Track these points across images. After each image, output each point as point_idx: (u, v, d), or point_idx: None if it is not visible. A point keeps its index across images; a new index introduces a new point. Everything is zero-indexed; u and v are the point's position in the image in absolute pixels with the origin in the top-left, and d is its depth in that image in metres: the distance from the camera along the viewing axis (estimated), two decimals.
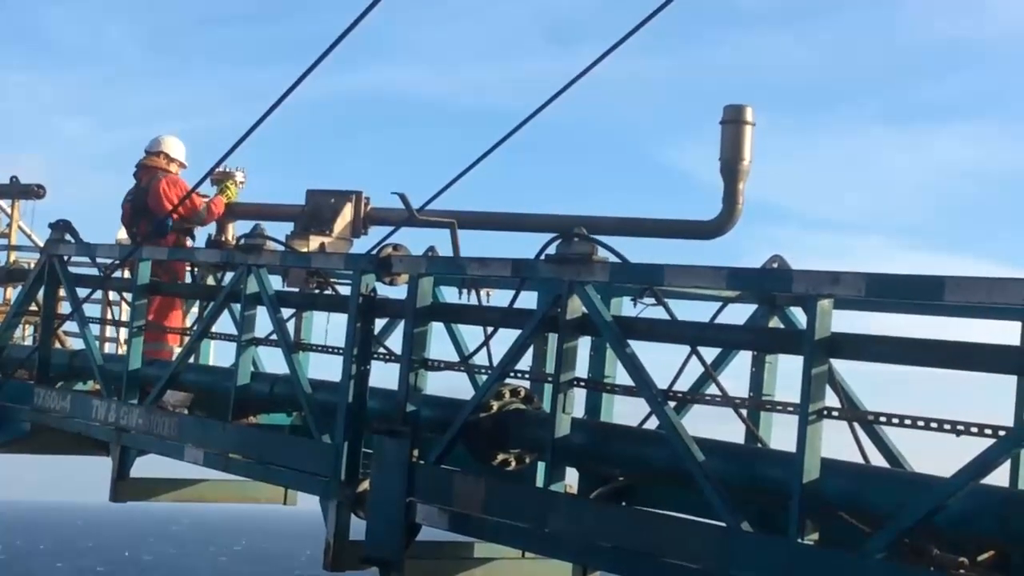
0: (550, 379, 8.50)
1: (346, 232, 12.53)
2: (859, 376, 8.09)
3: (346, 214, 12.52)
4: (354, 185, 12.69)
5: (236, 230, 13.64)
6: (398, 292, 9.75)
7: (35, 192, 15.94)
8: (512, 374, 8.88)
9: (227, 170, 13.37)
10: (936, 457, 7.09)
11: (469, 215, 11.73)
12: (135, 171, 13.84)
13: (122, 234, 14.38)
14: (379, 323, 10.13)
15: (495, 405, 8.86)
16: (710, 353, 8.59)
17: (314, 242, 12.19)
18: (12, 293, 15.99)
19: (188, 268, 13.74)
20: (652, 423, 8.27)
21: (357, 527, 9.50)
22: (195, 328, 12.67)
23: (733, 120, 9.47)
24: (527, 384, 9.12)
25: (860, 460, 7.71)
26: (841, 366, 7.84)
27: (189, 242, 13.71)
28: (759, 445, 8.50)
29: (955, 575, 6.49)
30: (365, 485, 9.42)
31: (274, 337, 10.97)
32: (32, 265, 15.17)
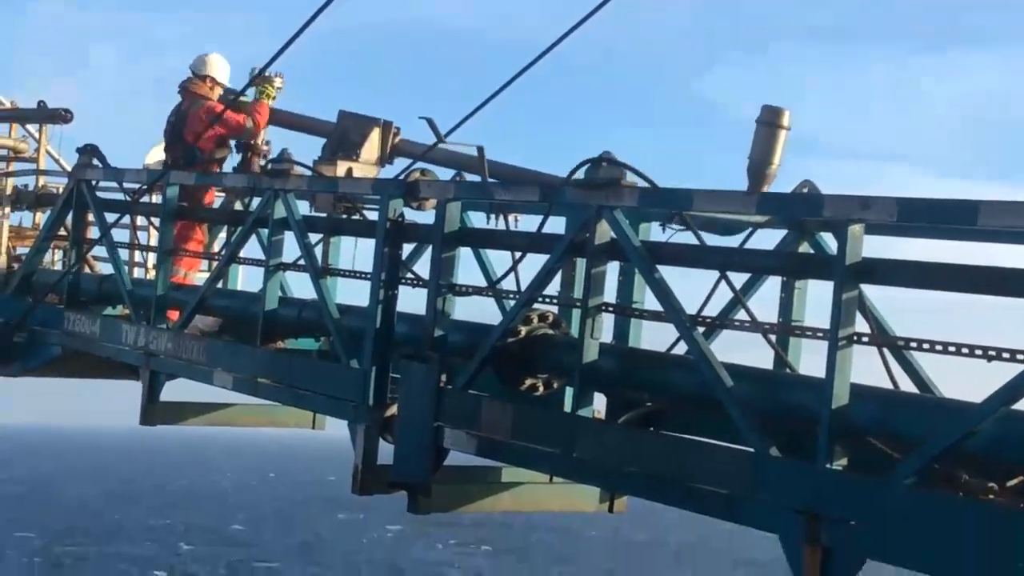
0: (578, 304, 8.47)
1: (374, 158, 12.47)
2: (889, 305, 8.04)
3: (374, 140, 12.46)
4: (384, 116, 12.59)
5: (268, 135, 13.59)
6: (426, 217, 9.72)
7: (62, 116, 15.87)
8: (540, 299, 8.86)
9: (264, 73, 13.33)
10: (967, 385, 7.05)
11: (497, 165, 11.56)
12: (179, 90, 13.82)
13: (150, 159, 14.37)
14: (407, 248, 10.11)
15: (523, 330, 8.83)
16: (739, 279, 8.53)
17: (341, 167, 12.14)
18: (41, 218, 16.01)
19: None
20: (680, 349, 8.25)
21: (385, 452, 9.53)
22: (223, 253, 12.67)
23: (768, 122, 9.15)
24: (555, 309, 9.09)
25: (890, 387, 7.67)
26: (871, 295, 7.78)
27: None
28: (788, 371, 8.47)
29: (984, 500, 6.47)
30: (393, 410, 9.44)
31: (302, 262, 10.96)
32: (60, 190, 15.17)
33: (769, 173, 8.88)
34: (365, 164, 12.33)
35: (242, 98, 13.40)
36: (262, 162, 12.85)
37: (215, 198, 13.97)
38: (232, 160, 13.73)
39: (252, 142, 13.41)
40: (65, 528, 77.51)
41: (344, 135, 12.41)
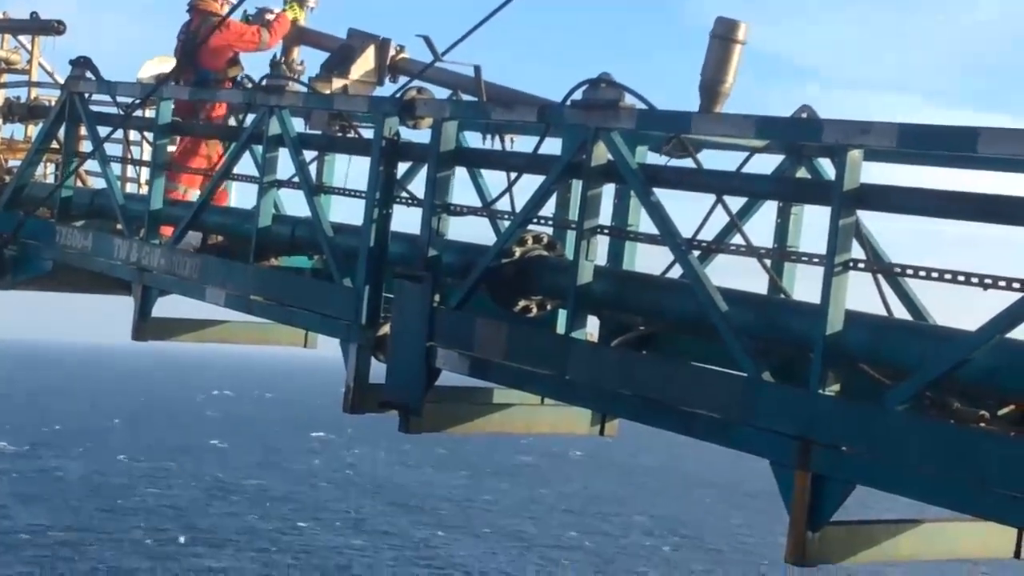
0: (573, 226, 8.44)
1: (370, 77, 12.37)
2: (885, 236, 8.02)
3: (368, 57, 12.34)
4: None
5: (302, 54, 13.48)
6: (422, 136, 9.67)
7: (55, 28, 15.73)
8: (535, 220, 8.83)
9: None
10: (962, 314, 7.05)
11: (494, 87, 11.44)
12: (188, 8, 13.66)
13: (144, 72, 14.24)
14: (402, 167, 10.06)
15: (518, 251, 8.82)
16: (735, 205, 8.50)
17: (336, 85, 12.05)
18: (33, 130, 15.91)
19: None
20: (675, 272, 8.24)
21: (377, 371, 9.54)
22: (216, 169, 12.59)
23: (722, 36, 8.66)
24: (550, 231, 9.07)
25: (884, 314, 7.67)
26: (868, 224, 7.77)
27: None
28: (783, 296, 8.47)
29: (975, 428, 6.49)
30: (385, 329, 9.43)
31: (296, 179, 10.90)
32: (53, 102, 15.06)
33: (722, 91, 8.59)
34: (358, 81, 12.23)
35: (268, 16, 13.23)
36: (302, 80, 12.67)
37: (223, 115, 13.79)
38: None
39: (282, 61, 13.21)
40: (49, 442, 77.86)
41: (348, 52, 12.30)
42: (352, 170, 11.20)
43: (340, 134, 11.61)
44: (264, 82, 11.33)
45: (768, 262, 8.48)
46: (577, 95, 8.34)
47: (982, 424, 6.56)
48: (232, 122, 13.40)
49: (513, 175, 9.28)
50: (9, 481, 62.83)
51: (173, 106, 12.68)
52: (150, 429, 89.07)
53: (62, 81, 14.45)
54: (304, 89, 11.57)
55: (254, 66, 13.55)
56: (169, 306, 12.64)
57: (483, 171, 10.16)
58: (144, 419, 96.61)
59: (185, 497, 61.41)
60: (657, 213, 7.82)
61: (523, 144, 10.52)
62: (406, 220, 9.76)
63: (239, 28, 13.08)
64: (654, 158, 8.83)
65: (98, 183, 14.39)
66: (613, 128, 8.02)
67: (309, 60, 13.36)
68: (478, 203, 9.98)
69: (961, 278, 6.39)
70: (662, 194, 7.93)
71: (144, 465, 71.43)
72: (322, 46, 13.14)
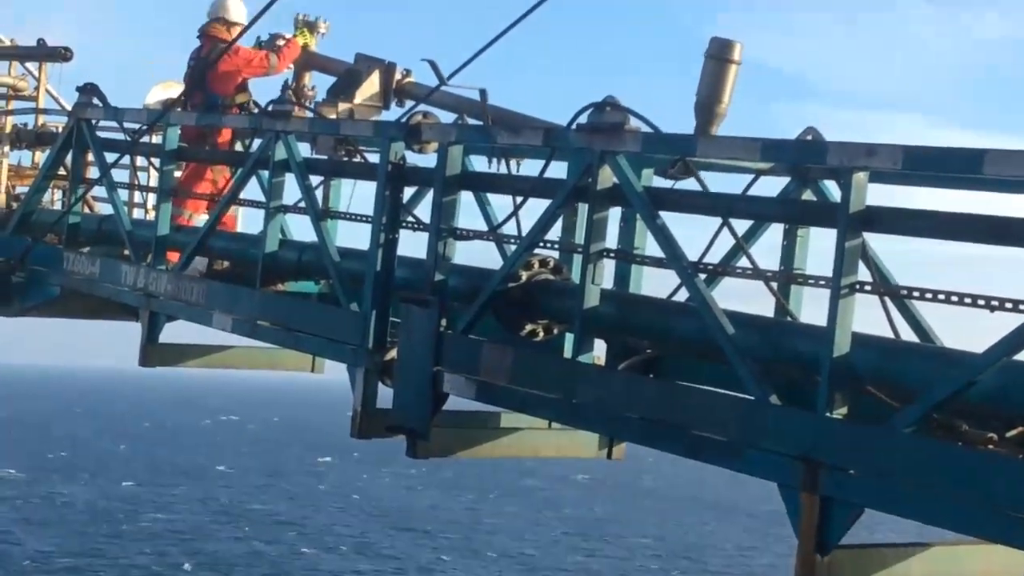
0: (579, 250, 8.45)
1: (375, 101, 12.40)
2: (891, 259, 8.01)
3: (373, 82, 12.39)
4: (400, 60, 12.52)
5: (313, 80, 13.52)
6: (427, 160, 9.69)
7: (62, 55, 15.79)
8: (541, 244, 8.84)
9: (308, 18, 13.26)
10: (969, 335, 7.04)
11: (500, 111, 11.44)
12: (199, 34, 13.70)
13: (151, 98, 14.28)
14: (408, 191, 10.08)
15: (524, 275, 8.83)
16: (741, 227, 8.50)
17: (341, 109, 12.08)
18: (40, 157, 15.95)
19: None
20: (681, 296, 8.24)
21: (384, 396, 9.54)
22: (223, 195, 12.61)
23: (717, 56, 8.64)
24: (556, 255, 9.07)
25: (891, 336, 7.66)
26: (874, 246, 7.76)
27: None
28: (789, 319, 8.46)
29: (983, 451, 6.48)
30: (392, 354, 9.43)
31: (302, 204, 10.92)
32: (60, 129, 15.10)
33: (719, 111, 8.59)
34: (363, 105, 12.27)
35: (279, 42, 13.29)
36: (310, 105, 12.72)
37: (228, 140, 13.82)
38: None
39: (293, 86, 13.23)
40: (56, 468, 77.79)
41: (354, 77, 12.34)
42: (358, 194, 11.23)
43: (346, 159, 11.64)
44: (270, 107, 11.37)
45: (775, 285, 8.48)
46: (582, 118, 8.37)
47: (990, 446, 6.55)
48: (238, 147, 13.43)
49: (519, 199, 9.30)
50: (15, 507, 62.74)
51: (181, 132, 12.71)
52: (156, 454, 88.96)
53: (69, 107, 14.49)
54: (311, 114, 11.59)
55: (266, 91, 13.62)
56: (176, 332, 12.67)
57: (489, 195, 10.19)
58: (150, 444, 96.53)
59: (191, 522, 61.29)
60: (663, 236, 7.83)
61: (529, 168, 10.54)
62: (412, 244, 9.79)
63: (247, 54, 13.14)
64: (659, 181, 8.86)
65: (105, 209, 14.42)
66: (618, 151, 8.03)
67: (319, 85, 13.42)
68: (484, 227, 10.00)
69: (968, 300, 6.39)
70: (668, 217, 7.94)
71: (150, 490, 71.32)
72: (329, 70, 13.19)
